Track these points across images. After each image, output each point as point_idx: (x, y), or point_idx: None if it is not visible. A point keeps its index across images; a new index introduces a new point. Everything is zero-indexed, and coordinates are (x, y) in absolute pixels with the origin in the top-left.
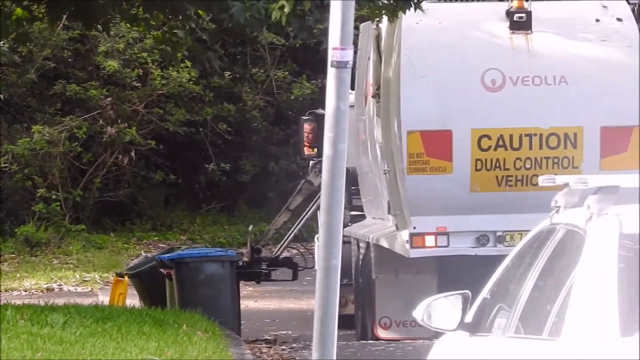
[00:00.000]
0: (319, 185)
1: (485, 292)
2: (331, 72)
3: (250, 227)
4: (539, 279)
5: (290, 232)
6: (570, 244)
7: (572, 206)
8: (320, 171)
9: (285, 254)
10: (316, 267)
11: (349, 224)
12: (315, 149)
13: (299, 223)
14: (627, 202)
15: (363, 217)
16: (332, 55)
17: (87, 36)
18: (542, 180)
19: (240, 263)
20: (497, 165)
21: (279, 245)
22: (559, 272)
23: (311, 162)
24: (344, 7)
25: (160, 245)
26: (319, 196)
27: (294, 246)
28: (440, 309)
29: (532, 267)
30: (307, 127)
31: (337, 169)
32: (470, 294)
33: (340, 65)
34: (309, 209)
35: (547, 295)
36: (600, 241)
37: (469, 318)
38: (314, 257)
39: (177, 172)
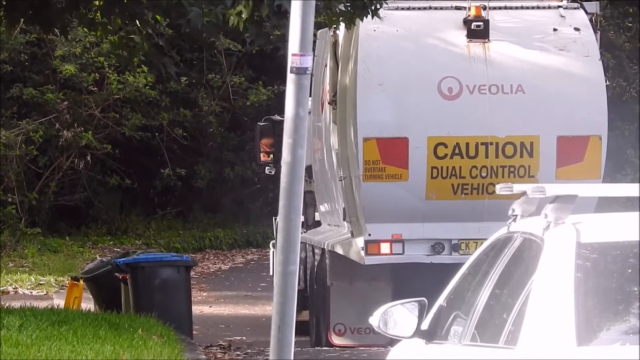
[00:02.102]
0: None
1: (441, 300)
2: (290, 78)
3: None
4: (496, 287)
5: None
6: (528, 253)
7: (530, 215)
8: (310, 176)
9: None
10: (271, 272)
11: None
12: (271, 156)
13: None
14: (584, 211)
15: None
16: (292, 61)
17: (44, 40)
18: (500, 188)
19: None
20: (453, 173)
21: None
22: (515, 280)
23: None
24: (304, 14)
25: (116, 249)
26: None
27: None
28: (396, 316)
29: (489, 276)
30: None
31: (295, 175)
32: (426, 301)
33: (299, 71)
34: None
35: (503, 304)
36: (557, 250)
37: (425, 325)
38: (269, 263)
39: (132, 177)
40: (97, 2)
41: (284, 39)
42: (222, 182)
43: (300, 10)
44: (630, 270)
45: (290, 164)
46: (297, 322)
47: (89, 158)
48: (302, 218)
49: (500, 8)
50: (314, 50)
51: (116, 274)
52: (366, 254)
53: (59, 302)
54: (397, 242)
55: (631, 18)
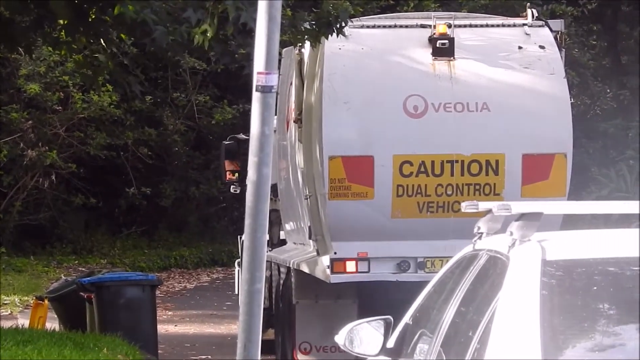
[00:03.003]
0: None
1: (407, 318)
2: (256, 96)
3: None
4: (462, 305)
5: None
6: (493, 270)
7: (495, 232)
8: (275, 195)
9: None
10: (236, 291)
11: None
12: (236, 174)
13: None
14: (549, 229)
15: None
16: (257, 79)
17: (8, 59)
18: (465, 206)
19: None
20: (419, 191)
21: None
22: (481, 298)
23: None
24: (269, 32)
25: (81, 268)
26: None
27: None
28: (362, 334)
29: (455, 293)
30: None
31: (261, 193)
32: (392, 319)
33: (265, 89)
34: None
35: (469, 321)
36: (522, 267)
37: (390, 343)
38: (234, 282)
39: (97, 196)
40: (61, 21)
41: (249, 57)
42: (187, 200)
43: (265, 29)
44: (595, 288)
45: (256, 183)
46: (262, 340)
47: (53, 177)
48: (267, 237)
49: (465, 26)
50: (279, 68)
51: (81, 293)
52: (332, 272)
53: (24, 321)
54: (362, 260)
55: (595, 36)
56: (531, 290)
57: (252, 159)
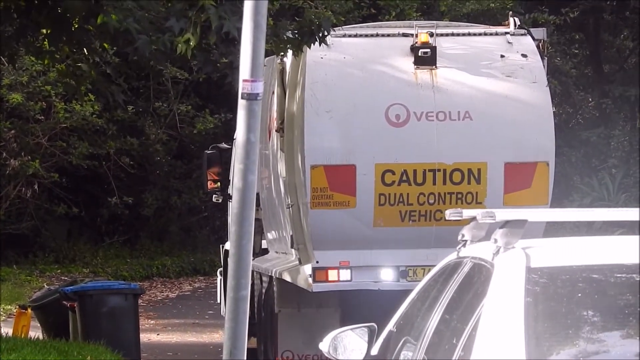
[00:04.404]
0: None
1: (391, 325)
2: (241, 104)
3: None
4: (446, 312)
5: None
6: (477, 278)
7: (479, 240)
8: (258, 204)
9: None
10: (218, 300)
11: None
12: (218, 183)
13: None
14: (532, 237)
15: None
16: (243, 87)
17: None
18: (450, 214)
19: None
20: (401, 200)
21: None
22: (465, 305)
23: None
24: (255, 40)
25: (63, 277)
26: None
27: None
28: (346, 342)
29: (439, 301)
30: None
31: (247, 201)
32: (376, 326)
33: (250, 97)
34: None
35: (453, 329)
36: (507, 275)
37: (374, 351)
38: (216, 291)
39: (80, 205)
40: (44, 31)
41: (231, 66)
42: (169, 210)
43: (251, 36)
44: (579, 295)
45: (242, 190)
46: None
47: (36, 187)
48: (252, 244)
49: (447, 35)
50: None
51: (64, 302)
52: (314, 281)
53: (7, 330)
54: (344, 269)
55: (577, 45)
56: (516, 297)
57: (238, 166)
